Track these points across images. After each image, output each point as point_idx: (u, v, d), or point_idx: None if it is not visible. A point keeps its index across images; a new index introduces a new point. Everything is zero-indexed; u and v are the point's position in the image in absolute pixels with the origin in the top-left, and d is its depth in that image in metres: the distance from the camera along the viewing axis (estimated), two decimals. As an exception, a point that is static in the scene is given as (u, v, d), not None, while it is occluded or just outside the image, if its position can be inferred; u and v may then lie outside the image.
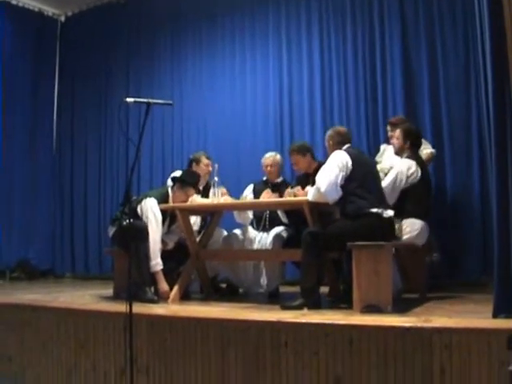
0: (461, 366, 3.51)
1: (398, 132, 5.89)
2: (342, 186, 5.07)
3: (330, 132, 5.58)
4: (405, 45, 7.36)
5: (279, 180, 6.71)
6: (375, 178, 5.35)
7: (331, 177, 5.03)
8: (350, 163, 5.10)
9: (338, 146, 5.36)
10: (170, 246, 6.12)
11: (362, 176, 5.12)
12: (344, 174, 5.07)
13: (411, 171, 5.58)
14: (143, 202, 5.95)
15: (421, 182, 5.63)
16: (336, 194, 5.08)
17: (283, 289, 6.48)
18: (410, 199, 5.49)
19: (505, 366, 3.24)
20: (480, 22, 4.38)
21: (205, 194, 6.47)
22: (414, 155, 5.79)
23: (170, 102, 5.10)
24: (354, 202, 5.04)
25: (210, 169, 6.72)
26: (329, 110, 7.91)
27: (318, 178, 5.12)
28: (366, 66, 7.65)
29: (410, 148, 5.81)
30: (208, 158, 6.80)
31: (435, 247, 6.34)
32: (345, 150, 5.24)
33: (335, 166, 5.08)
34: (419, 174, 5.61)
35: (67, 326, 5.17)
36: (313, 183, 5.33)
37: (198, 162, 6.75)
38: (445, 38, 7.08)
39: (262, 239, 6.34)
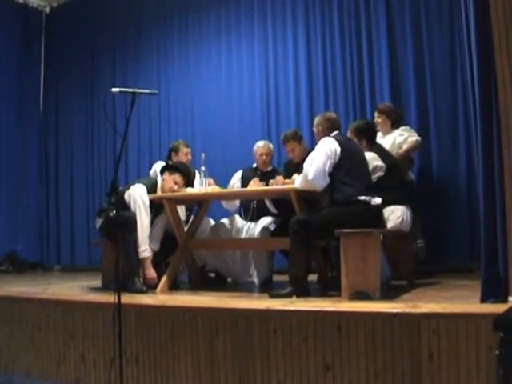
0: (449, 351, 3.52)
1: (349, 133, 5.86)
2: (330, 174, 5.05)
3: (318, 118, 5.52)
4: (391, 30, 7.39)
5: (269, 169, 6.70)
6: (363, 165, 5.32)
7: (319, 164, 5.01)
8: (338, 150, 5.07)
9: (327, 132, 5.32)
10: (156, 247, 6.03)
11: (351, 163, 5.09)
12: (332, 161, 5.04)
13: (374, 165, 5.57)
14: (131, 189, 5.91)
15: (389, 171, 5.62)
16: (324, 182, 5.06)
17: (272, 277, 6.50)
18: (384, 189, 5.39)
19: (492, 350, 3.25)
20: (465, 4, 4.38)
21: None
22: (374, 147, 5.78)
23: (156, 91, 5.08)
24: (342, 189, 5.02)
25: (190, 157, 6.71)
26: (315, 96, 7.93)
27: (306, 165, 5.09)
28: (352, 51, 7.67)
29: (367, 144, 5.78)
30: (187, 146, 6.77)
31: (419, 234, 6.37)
32: (333, 137, 5.20)
33: (323, 154, 5.05)
34: (383, 165, 5.61)
35: (56, 318, 5.17)
36: (301, 171, 5.31)
37: (176, 151, 6.72)
38: (430, 22, 7.11)
39: (250, 229, 6.32)
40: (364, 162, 5.36)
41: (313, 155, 5.11)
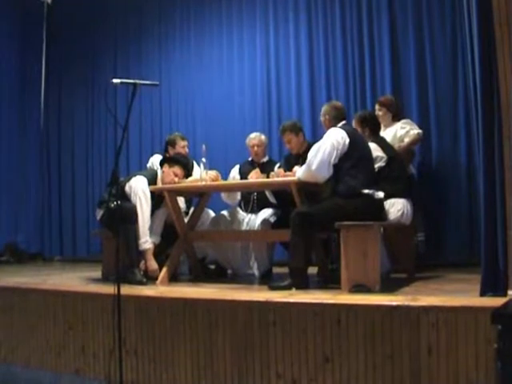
0: (448, 345, 3.52)
1: (354, 123, 5.87)
2: (336, 165, 5.02)
3: (326, 107, 5.48)
4: (392, 22, 7.37)
5: (265, 160, 6.71)
6: (369, 158, 5.30)
7: (324, 155, 4.97)
8: (347, 141, 5.02)
9: (334, 121, 5.28)
10: (157, 240, 6.02)
11: (357, 156, 5.06)
12: (339, 152, 5.00)
13: (375, 155, 5.54)
14: (132, 180, 5.91)
15: (390, 163, 5.60)
16: (327, 173, 5.03)
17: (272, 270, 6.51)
18: (385, 181, 5.39)
19: (491, 343, 3.25)
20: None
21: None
22: (376, 139, 5.77)
23: (157, 82, 5.09)
24: (347, 181, 5.00)
25: (187, 150, 6.67)
26: (317, 88, 7.91)
27: (310, 155, 5.06)
28: (353, 42, 7.66)
29: (370, 133, 5.78)
30: (183, 138, 6.73)
31: (420, 227, 6.36)
32: (342, 128, 5.15)
33: (329, 144, 5.00)
34: (384, 155, 5.60)
35: (56, 308, 5.18)
36: (302, 164, 5.30)
37: (173, 144, 6.67)
38: (432, 14, 7.08)
39: (251, 221, 6.33)
40: (370, 154, 5.33)
41: (319, 145, 5.07)
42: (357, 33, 7.61)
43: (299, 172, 5.19)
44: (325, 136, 5.16)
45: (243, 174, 6.50)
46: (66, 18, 10.19)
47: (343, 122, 5.31)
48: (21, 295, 5.48)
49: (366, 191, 4.99)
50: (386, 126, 6.40)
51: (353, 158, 5.03)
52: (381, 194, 5.09)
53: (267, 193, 6.31)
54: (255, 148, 6.62)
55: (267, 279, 5.90)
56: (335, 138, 5.04)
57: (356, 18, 7.62)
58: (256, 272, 6.27)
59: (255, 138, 6.66)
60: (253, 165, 6.56)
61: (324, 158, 4.98)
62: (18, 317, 5.43)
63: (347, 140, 5.03)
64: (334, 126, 5.23)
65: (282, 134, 6.32)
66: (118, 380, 4.15)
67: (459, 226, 6.72)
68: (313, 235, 5.11)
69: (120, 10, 9.74)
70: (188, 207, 6.52)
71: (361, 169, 5.05)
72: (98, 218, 6.10)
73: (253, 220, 6.31)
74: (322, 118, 5.48)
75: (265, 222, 6.16)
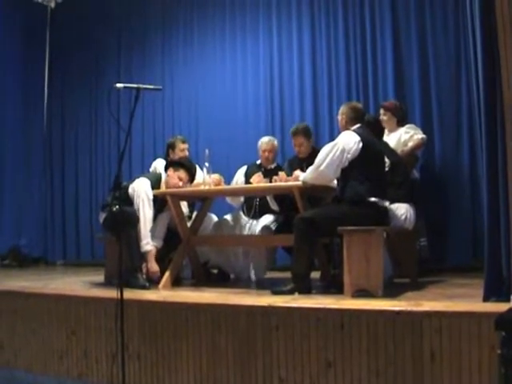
0: (451, 350, 3.51)
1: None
2: (345, 169, 4.98)
3: (344, 107, 5.37)
4: (395, 27, 7.36)
5: (273, 166, 6.65)
6: (381, 164, 5.26)
7: (334, 157, 4.94)
8: (360, 146, 4.95)
9: (351, 122, 5.20)
10: (159, 244, 6.02)
11: (368, 162, 4.99)
12: (349, 156, 4.94)
13: None
14: (135, 182, 5.93)
15: (393, 168, 5.58)
16: (333, 175, 5.03)
17: (274, 274, 6.50)
18: (388, 186, 5.31)
19: (495, 349, 3.24)
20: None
21: None
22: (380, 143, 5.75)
23: (160, 87, 5.08)
24: (354, 187, 4.95)
25: (187, 153, 6.63)
26: (319, 92, 7.92)
27: (320, 155, 5.03)
28: (356, 46, 7.64)
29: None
30: (184, 142, 6.67)
31: (423, 233, 6.35)
32: (357, 132, 5.07)
33: (340, 147, 4.94)
34: (387, 161, 5.53)
35: (58, 313, 5.18)
36: (306, 168, 5.28)
37: (173, 147, 6.60)
38: (435, 18, 7.08)
39: (252, 226, 6.32)
40: (382, 160, 5.28)
41: (330, 146, 5.02)
42: (359, 37, 7.60)
43: (305, 174, 5.17)
44: (338, 138, 5.10)
45: (249, 177, 6.40)
46: (69, 22, 10.21)
47: (358, 124, 5.21)
48: (23, 299, 5.48)
49: (372, 199, 4.96)
50: (391, 131, 6.38)
51: (363, 164, 4.97)
52: (386, 203, 5.09)
53: (269, 199, 6.29)
54: (266, 153, 6.57)
55: (270, 284, 5.88)
56: (347, 142, 4.97)
57: (359, 22, 7.61)
58: (253, 277, 6.29)
59: (268, 143, 6.60)
60: (260, 169, 6.52)
61: (333, 160, 4.94)
62: (21, 321, 5.43)
63: (360, 145, 4.96)
64: (350, 127, 5.17)
65: (294, 136, 6.26)
66: (121, 384, 4.15)
67: (462, 230, 6.69)
68: (316, 240, 5.09)
69: (123, 14, 9.75)
70: (191, 211, 6.51)
71: (370, 175, 4.99)
72: (101, 221, 6.11)
73: (254, 225, 6.30)
74: (338, 117, 5.38)
75: (265, 228, 6.14)
